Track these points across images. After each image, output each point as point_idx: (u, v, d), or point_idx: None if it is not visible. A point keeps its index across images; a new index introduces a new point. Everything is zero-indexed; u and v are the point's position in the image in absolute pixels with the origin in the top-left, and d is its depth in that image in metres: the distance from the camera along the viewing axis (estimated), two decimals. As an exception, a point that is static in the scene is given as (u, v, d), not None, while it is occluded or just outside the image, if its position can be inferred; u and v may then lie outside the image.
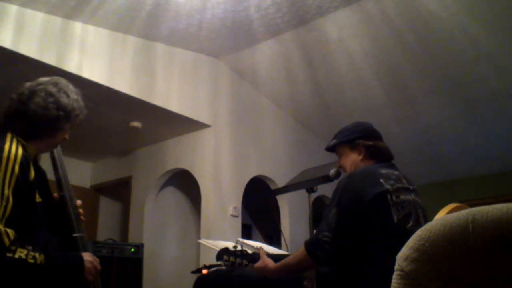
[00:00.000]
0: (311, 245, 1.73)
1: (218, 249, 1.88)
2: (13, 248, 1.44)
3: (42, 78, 1.74)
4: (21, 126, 1.64)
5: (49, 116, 1.65)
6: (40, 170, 1.72)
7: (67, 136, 1.78)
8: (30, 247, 1.48)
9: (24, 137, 1.63)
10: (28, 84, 1.71)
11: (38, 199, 1.62)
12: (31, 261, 1.47)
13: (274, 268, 1.83)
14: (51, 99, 1.66)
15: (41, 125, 1.65)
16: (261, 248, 1.93)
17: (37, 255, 1.49)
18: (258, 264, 1.86)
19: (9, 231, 1.45)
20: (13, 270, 1.47)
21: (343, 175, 2.02)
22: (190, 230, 5.84)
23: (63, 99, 1.69)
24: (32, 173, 1.59)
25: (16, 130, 1.63)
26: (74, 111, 1.73)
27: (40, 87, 1.68)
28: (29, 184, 1.56)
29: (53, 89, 1.69)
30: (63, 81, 1.77)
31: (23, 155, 1.56)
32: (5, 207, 1.46)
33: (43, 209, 1.64)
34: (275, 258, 1.87)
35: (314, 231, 1.81)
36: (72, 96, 1.73)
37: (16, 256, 1.44)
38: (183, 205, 5.94)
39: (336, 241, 1.68)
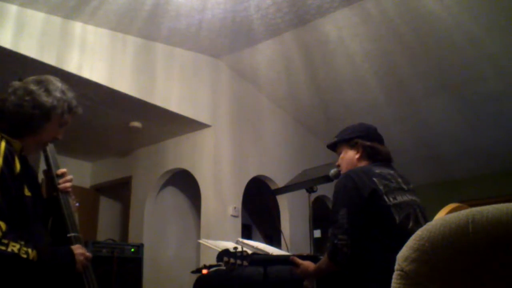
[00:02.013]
0: (331, 253, 1.76)
1: (219, 249, 1.88)
2: (6, 241, 1.41)
3: (32, 77, 1.68)
4: (3, 124, 1.61)
5: (23, 114, 1.59)
6: (28, 165, 1.68)
7: (58, 136, 1.71)
8: (22, 242, 1.45)
9: (7, 134, 1.59)
10: (15, 83, 1.66)
11: (27, 193, 1.58)
12: (24, 256, 1.44)
13: (313, 271, 1.92)
14: (27, 97, 1.60)
15: (18, 123, 1.60)
16: (293, 257, 2.01)
17: (29, 250, 1.46)
18: (300, 269, 1.96)
19: (1, 223, 1.41)
20: (5, 264, 1.43)
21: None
22: (190, 230, 5.83)
23: (42, 97, 1.61)
24: (18, 166, 1.54)
25: (1, 128, 1.60)
26: (55, 110, 1.63)
27: (23, 85, 1.63)
28: (15, 177, 1.52)
29: (33, 87, 1.62)
30: (49, 79, 1.69)
31: (6, 148, 1.52)
32: None
33: (33, 203, 1.61)
34: (304, 258, 2.00)
35: (314, 231, 1.83)
36: (55, 94, 1.64)
37: (9, 249, 1.41)
38: (183, 205, 5.94)
39: (353, 241, 1.71)
